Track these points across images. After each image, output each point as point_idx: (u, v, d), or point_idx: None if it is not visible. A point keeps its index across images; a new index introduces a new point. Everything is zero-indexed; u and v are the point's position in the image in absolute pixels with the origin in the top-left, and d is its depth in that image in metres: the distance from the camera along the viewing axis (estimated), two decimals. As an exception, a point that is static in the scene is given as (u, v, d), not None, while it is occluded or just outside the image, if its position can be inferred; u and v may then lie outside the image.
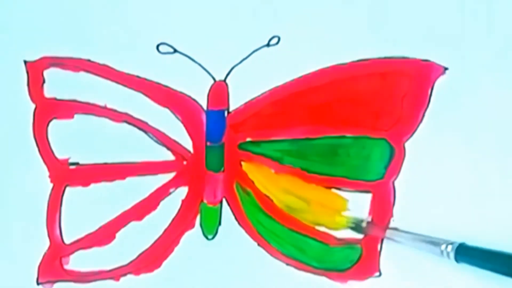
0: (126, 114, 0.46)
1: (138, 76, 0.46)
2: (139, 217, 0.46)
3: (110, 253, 0.45)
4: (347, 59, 0.45)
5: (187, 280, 0.45)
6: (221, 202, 0.45)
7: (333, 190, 0.44)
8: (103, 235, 0.46)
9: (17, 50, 0.48)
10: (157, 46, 0.46)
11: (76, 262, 0.46)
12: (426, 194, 0.43)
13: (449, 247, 0.38)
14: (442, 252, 0.39)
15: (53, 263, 0.46)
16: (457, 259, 0.38)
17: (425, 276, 0.41)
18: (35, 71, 0.47)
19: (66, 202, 0.46)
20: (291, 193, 0.45)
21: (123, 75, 0.46)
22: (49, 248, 0.46)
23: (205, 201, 0.45)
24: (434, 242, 0.39)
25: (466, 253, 0.38)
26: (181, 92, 0.46)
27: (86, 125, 0.46)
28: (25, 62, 0.47)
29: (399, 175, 0.44)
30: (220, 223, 0.45)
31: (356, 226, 0.43)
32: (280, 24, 0.45)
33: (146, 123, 0.46)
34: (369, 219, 0.43)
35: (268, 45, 0.46)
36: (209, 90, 0.46)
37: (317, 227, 0.44)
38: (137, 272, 0.45)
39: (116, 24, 0.46)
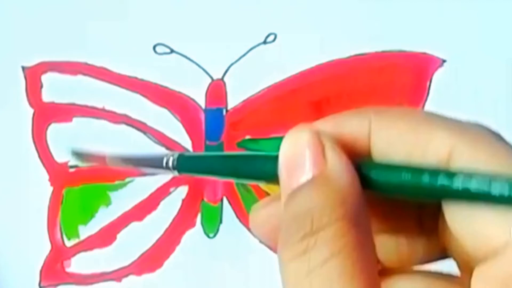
0: (125, 115, 0.46)
1: (135, 77, 0.46)
2: (140, 218, 0.45)
3: (111, 255, 0.45)
4: (343, 55, 0.45)
5: (189, 279, 0.44)
6: (221, 200, 0.45)
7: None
8: (104, 237, 0.45)
9: (14, 56, 0.48)
10: (154, 47, 0.46)
11: (78, 264, 0.46)
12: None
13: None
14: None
15: (55, 266, 0.46)
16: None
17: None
18: (33, 76, 0.47)
19: (66, 205, 0.46)
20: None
21: (121, 77, 0.46)
22: (50, 251, 0.46)
23: (205, 199, 0.45)
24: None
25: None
26: (179, 92, 0.46)
27: (85, 128, 0.46)
28: (23, 68, 0.47)
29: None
30: (221, 221, 0.45)
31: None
32: (276, 21, 0.45)
33: (145, 124, 0.46)
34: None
35: (265, 42, 0.45)
36: (207, 89, 0.46)
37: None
38: (138, 272, 0.45)
39: (112, 26, 0.46)
